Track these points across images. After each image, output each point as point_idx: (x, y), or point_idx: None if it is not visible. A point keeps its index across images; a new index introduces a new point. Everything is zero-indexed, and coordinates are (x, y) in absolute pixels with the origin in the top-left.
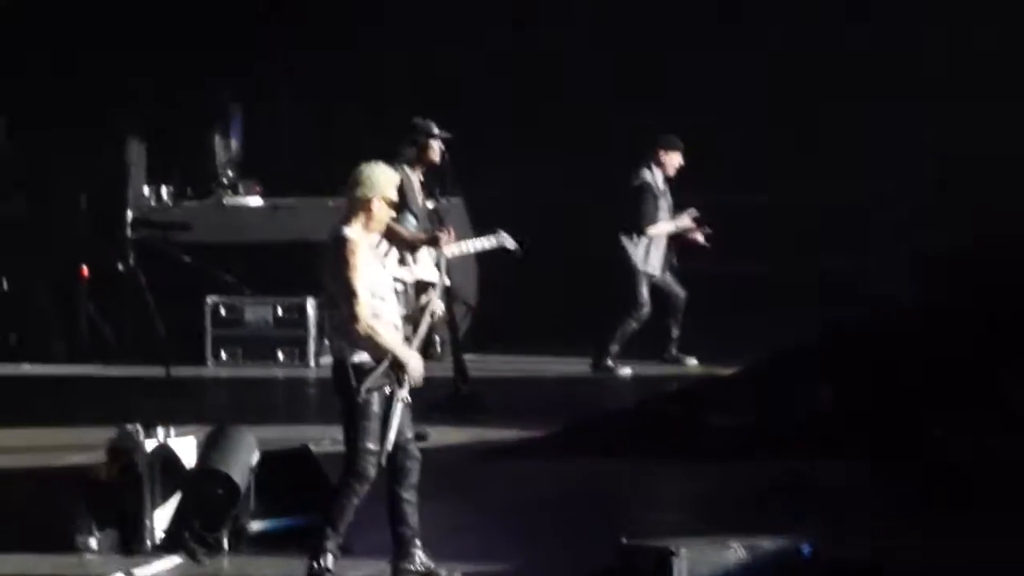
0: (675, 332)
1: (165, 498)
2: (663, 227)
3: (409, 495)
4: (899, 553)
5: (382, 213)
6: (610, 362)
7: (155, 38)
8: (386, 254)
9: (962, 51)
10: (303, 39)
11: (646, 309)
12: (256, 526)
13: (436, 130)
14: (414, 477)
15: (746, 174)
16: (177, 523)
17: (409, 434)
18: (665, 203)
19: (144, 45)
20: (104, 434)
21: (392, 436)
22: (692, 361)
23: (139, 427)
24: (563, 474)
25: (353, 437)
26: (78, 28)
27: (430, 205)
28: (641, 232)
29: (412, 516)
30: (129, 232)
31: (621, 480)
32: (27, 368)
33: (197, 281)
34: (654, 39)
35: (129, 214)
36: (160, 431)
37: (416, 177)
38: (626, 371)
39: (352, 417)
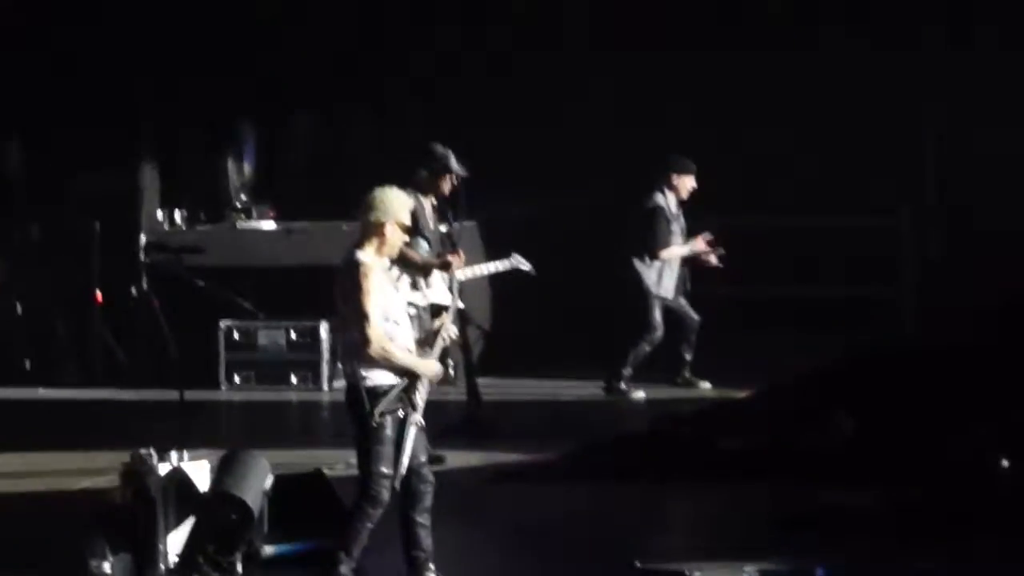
0: (688, 355)
1: (179, 522)
2: (676, 251)
3: (423, 519)
4: None
5: (395, 237)
6: (623, 385)
7: (170, 63)
8: (398, 278)
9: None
10: (317, 64)
11: (659, 332)
12: (269, 550)
13: (453, 163)
14: (428, 501)
15: (760, 196)
16: (191, 547)
17: (423, 458)
18: (678, 226)
19: (159, 70)
20: (118, 458)
21: (406, 460)
22: (705, 384)
23: (153, 451)
24: (576, 497)
25: (367, 461)
26: (93, 54)
27: (443, 229)
28: (654, 256)
29: (426, 539)
30: (142, 256)
31: (634, 503)
32: (41, 392)
33: (210, 305)
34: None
35: (142, 238)
36: (174, 455)
37: (428, 202)
38: (639, 394)
39: (366, 441)
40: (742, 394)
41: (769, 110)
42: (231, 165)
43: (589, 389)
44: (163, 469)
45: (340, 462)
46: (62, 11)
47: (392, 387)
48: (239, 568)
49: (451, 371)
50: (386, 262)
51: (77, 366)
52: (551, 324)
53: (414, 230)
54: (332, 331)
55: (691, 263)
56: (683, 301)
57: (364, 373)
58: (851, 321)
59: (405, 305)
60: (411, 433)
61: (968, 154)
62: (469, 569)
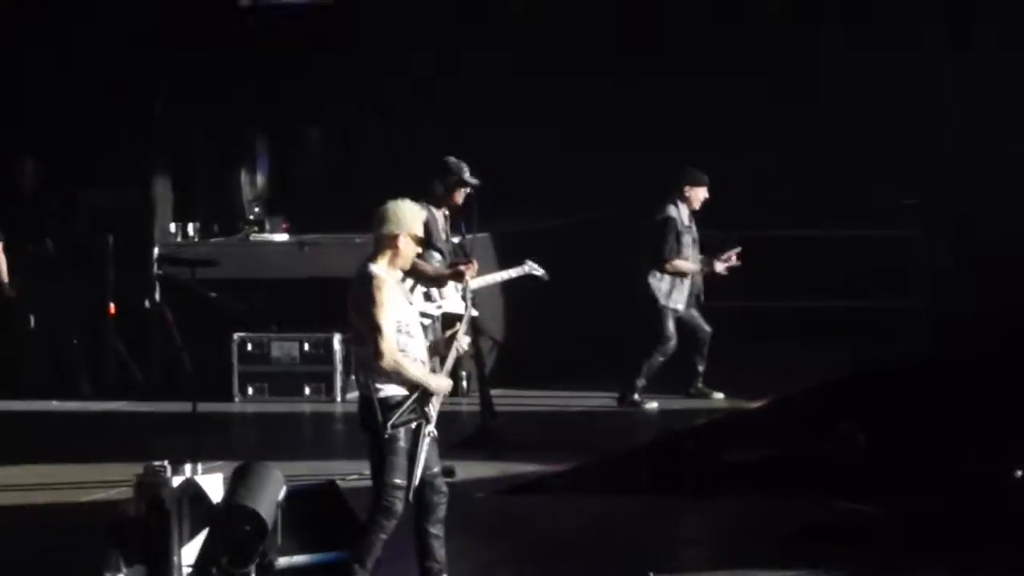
0: (701, 367)
1: (192, 534)
2: (686, 266)
3: (436, 530)
4: None
5: (408, 249)
6: (636, 396)
7: (184, 76)
8: (411, 290)
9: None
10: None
11: (672, 343)
12: (283, 562)
13: (467, 175)
14: (441, 512)
15: (772, 208)
16: (204, 559)
17: (436, 469)
18: (690, 238)
19: (172, 84)
20: (131, 470)
21: (419, 471)
22: (718, 395)
23: (166, 463)
24: (588, 509)
25: (380, 472)
26: (107, 67)
27: (455, 240)
28: (663, 267)
29: (439, 551)
30: (156, 269)
31: (647, 515)
32: (55, 405)
33: (224, 317)
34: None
35: (156, 251)
36: (187, 467)
37: (441, 214)
38: (652, 405)
39: (379, 452)
40: (754, 405)
41: (780, 122)
42: (244, 178)
43: (602, 400)
44: (177, 481)
45: (353, 473)
46: (76, 27)
47: (405, 399)
48: None
49: (464, 382)
50: (399, 274)
51: (91, 379)
52: (564, 335)
53: (427, 242)
54: (345, 343)
55: (704, 275)
56: (695, 313)
57: (377, 385)
58: (862, 333)
59: (418, 317)
60: (425, 444)
61: (980, 164)
62: None
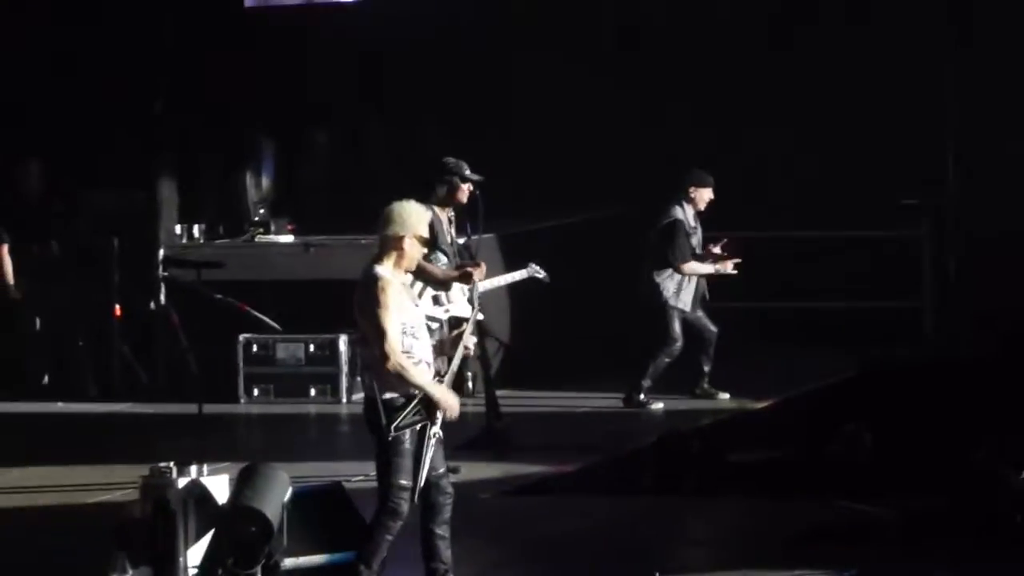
0: (707, 367)
1: (198, 536)
2: (698, 268)
3: (442, 530)
4: None
5: (414, 251)
6: (642, 397)
7: (189, 78)
8: (420, 294)
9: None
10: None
11: (678, 344)
12: (289, 563)
13: (467, 172)
14: (447, 513)
15: (779, 209)
16: (210, 561)
17: (442, 469)
18: (696, 239)
19: (178, 85)
20: (137, 472)
21: (425, 472)
22: (724, 396)
23: (172, 465)
24: (594, 510)
25: (386, 473)
26: (112, 70)
27: (461, 241)
28: (676, 270)
29: (445, 551)
30: (161, 271)
31: (652, 515)
32: (60, 407)
33: (229, 319)
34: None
35: (161, 253)
36: (193, 469)
37: (446, 215)
38: (658, 406)
39: (384, 453)
40: (760, 406)
41: (781, 122)
42: (249, 180)
43: (608, 401)
44: (182, 482)
45: (359, 475)
46: (79, 27)
47: (409, 401)
48: None
49: (469, 384)
50: (404, 276)
51: (96, 380)
52: (570, 336)
53: (433, 243)
54: (351, 344)
55: (709, 275)
56: (701, 313)
57: (382, 386)
58: (866, 333)
59: (424, 319)
60: (430, 445)
61: (988, 164)
62: None
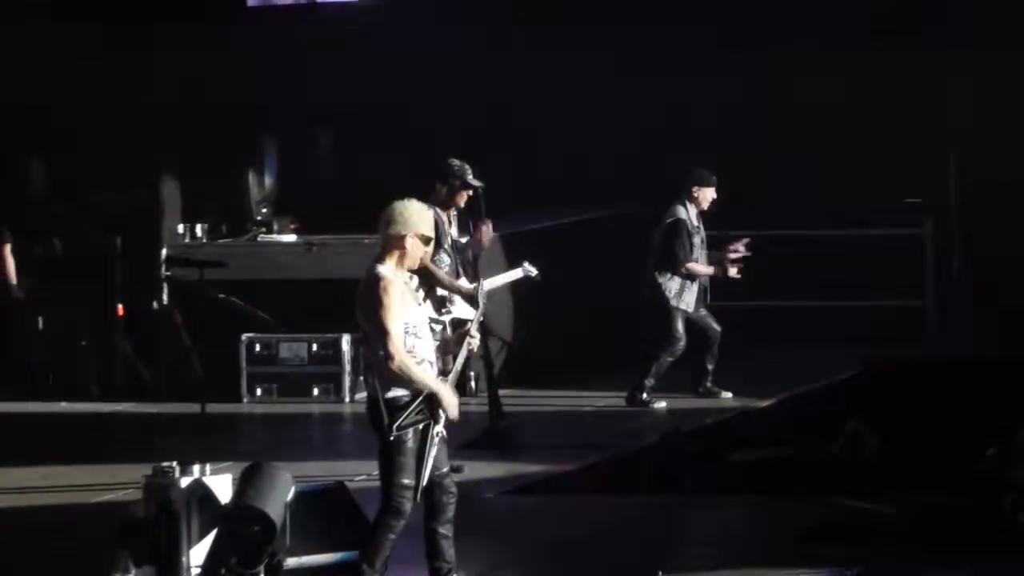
0: (710, 366)
1: (201, 535)
2: (700, 269)
3: (445, 530)
4: None
5: (416, 250)
6: (645, 396)
7: (191, 77)
8: (425, 298)
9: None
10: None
11: (681, 344)
12: (292, 563)
13: (470, 177)
14: (450, 512)
15: (781, 208)
16: (213, 560)
17: (445, 469)
18: (699, 239)
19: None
20: (140, 471)
21: (428, 471)
22: (727, 395)
23: (175, 464)
24: (597, 509)
25: (388, 473)
26: (115, 68)
27: (463, 240)
28: (678, 271)
29: (448, 551)
30: (164, 270)
31: (656, 515)
32: (63, 406)
33: (232, 318)
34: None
35: (164, 252)
36: (196, 468)
37: (447, 215)
38: (661, 405)
39: (387, 453)
40: (763, 405)
41: (789, 121)
42: (252, 179)
43: (611, 400)
44: (185, 482)
45: (362, 474)
46: (81, 25)
47: (412, 400)
48: None
49: (472, 383)
50: (407, 275)
51: (99, 380)
52: (573, 335)
53: (437, 243)
54: (353, 344)
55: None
56: (705, 312)
57: (385, 386)
58: (869, 332)
59: (427, 318)
60: (433, 444)
61: (992, 163)
62: None
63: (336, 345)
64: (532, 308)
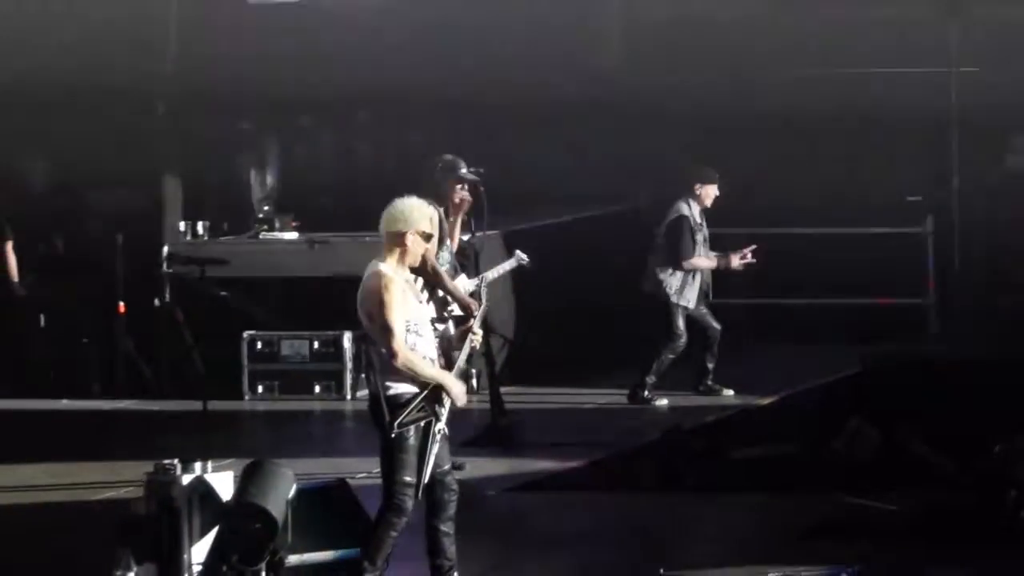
0: (710, 364)
1: (203, 532)
2: (702, 263)
3: (446, 527)
4: None
5: (417, 247)
6: (647, 393)
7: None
8: (429, 299)
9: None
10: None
11: (682, 341)
12: (294, 560)
13: (463, 171)
14: (451, 509)
15: (783, 206)
16: (215, 557)
17: (447, 466)
18: (701, 236)
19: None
20: (141, 469)
21: (429, 468)
22: (728, 392)
23: (176, 462)
24: (598, 507)
25: (390, 470)
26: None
27: (465, 237)
28: (679, 266)
29: (450, 548)
30: (165, 268)
31: (657, 512)
32: (65, 403)
33: (233, 316)
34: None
35: (165, 250)
36: (197, 465)
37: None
38: (663, 402)
39: (389, 450)
40: (764, 402)
41: (791, 119)
42: (253, 176)
43: (613, 397)
44: (187, 479)
45: (364, 471)
46: (82, 22)
47: (414, 397)
48: None
49: (474, 380)
50: (408, 273)
51: (101, 378)
52: (575, 332)
53: (440, 241)
54: (355, 341)
55: (716, 271)
56: (705, 310)
57: (386, 383)
58: (870, 329)
59: (428, 315)
60: (435, 441)
61: (993, 161)
62: None
63: (337, 342)
64: (533, 306)
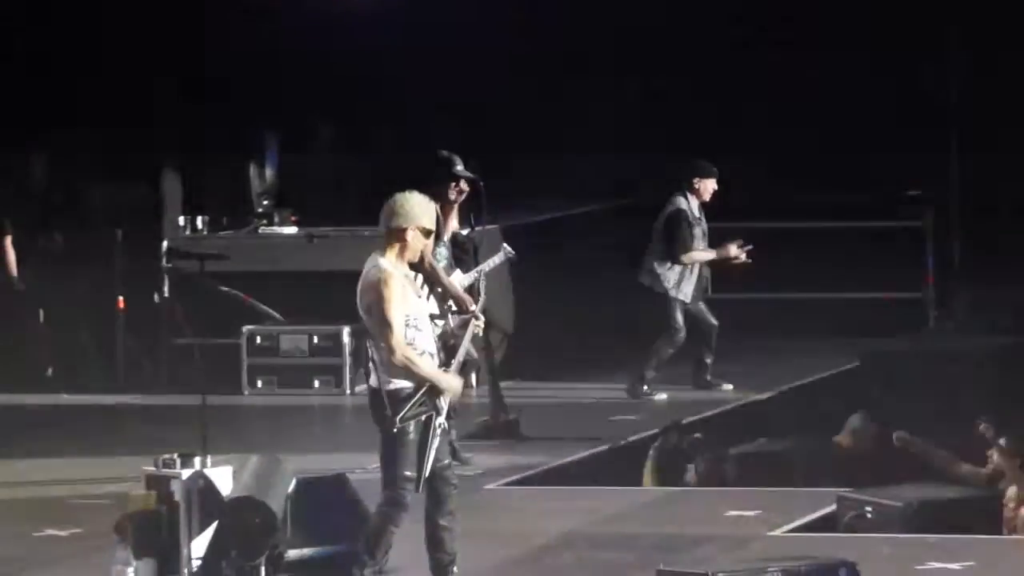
0: (708, 359)
1: (202, 527)
2: (699, 255)
3: (446, 521)
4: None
5: (417, 243)
6: (646, 388)
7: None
8: (429, 295)
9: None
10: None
11: (681, 334)
12: (293, 554)
13: (459, 168)
14: (451, 504)
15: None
16: (214, 552)
17: (446, 460)
18: (700, 229)
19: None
20: (141, 464)
21: (430, 463)
22: (727, 387)
23: (176, 456)
24: (597, 500)
25: (390, 464)
26: (115, 61)
27: (464, 232)
28: (676, 260)
29: (449, 542)
30: (165, 262)
31: (655, 506)
32: (64, 398)
33: (233, 310)
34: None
35: (165, 244)
36: (197, 460)
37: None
38: (661, 397)
39: (389, 444)
40: (763, 397)
41: (790, 113)
42: (253, 171)
43: (611, 392)
44: (186, 474)
45: (363, 466)
46: (82, 17)
47: (415, 392)
48: (263, 572)
49: (473, 375)
50: (407, 268)
51: (100, 372)
52: (574, 327)
53: (437, 236)
54: (354, 335)
55: (716, 265)
56: (702, 306)
57: (386, 378)
58: (872, 324)
59: (427, 310)
60: (435, 436)
61: (991, 154)
62: (491, 573)
63: (337, 337)
64: (532, 301)
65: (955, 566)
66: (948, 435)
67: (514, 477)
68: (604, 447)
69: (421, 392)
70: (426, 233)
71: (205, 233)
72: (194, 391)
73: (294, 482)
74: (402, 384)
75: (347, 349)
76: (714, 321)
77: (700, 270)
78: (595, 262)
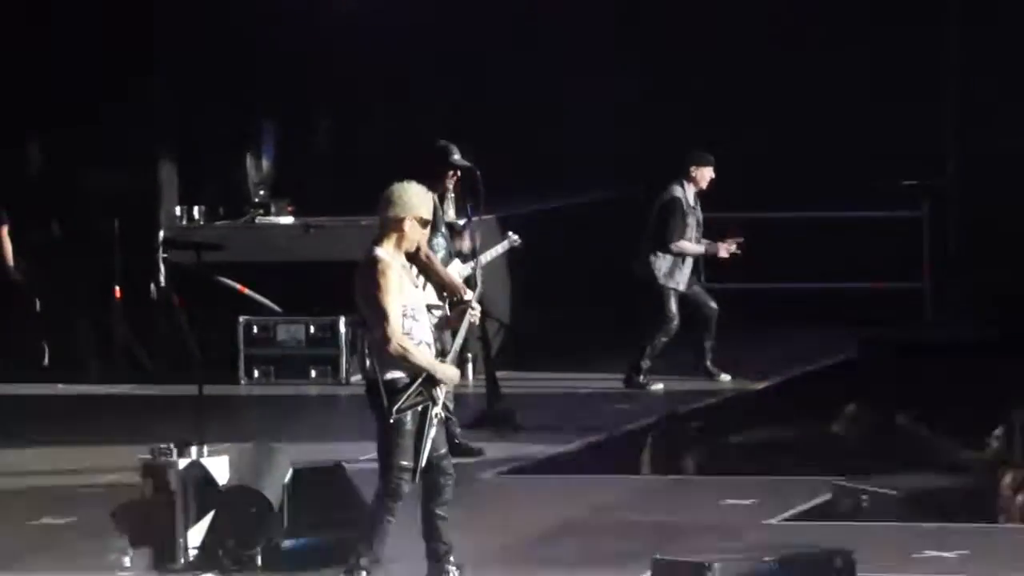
0: (709, 343)
1: (198, 516)
2: (688, 247)
3: (443, 511)
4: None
5: (414, 233)
6: (642, 378)
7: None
8: (425, 288)
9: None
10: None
11: (675, 323)
12: (289, 544)
13: (455, 157)
14: (448, 494)
15: (778, 189)
16: (210, 541)
17: (443, 450)
18: (695, 219)
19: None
20: (138, 453)
21: (426, 453)
22: (725, 376)
23: (172, 446)
24: (594, 490)
25: (387, 454)
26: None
27: (460, 222)
28: (666, 248)
29: (446, 532)
30: (161, 252)
31: (651, 496)
32: (61, 388)
33: (229, 300)
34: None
35: (161, 234)
36: (193, 449)
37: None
38: (658, 386)
39: (386, 434)
40: (761, 386)
41: (788, 103)
42: (250, 161)
43: (609, 382)
44: (183, 464)
45: (359, 455)
46: (82, 9)
47: (411, 382)
48: (259, 562)
49: (470, 364)
50: (403, 258)
51: (97, 362)
52: (570, 316)
53: (435, 226)
54: (351, 325)
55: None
56: (699, 289)
57: (383, 368)
58: (867, 314)
59: (424, 302)
60: (432, 426)
61: (989, 144)
62: (488, 562)
63: (334, 327)
64: (529, 290)
65: (950, 554)
66: (946, 423)
67: (511, 466)
68: (601, 436)
69: (417, 382)
70: (423, 223)
71: (202, 223)
72: (191, 381)
73: (291, 471)
74: (398, 374)
75: (344, 339)
76: (714, 305)
77: (692, 258)
78: (592, 252)
